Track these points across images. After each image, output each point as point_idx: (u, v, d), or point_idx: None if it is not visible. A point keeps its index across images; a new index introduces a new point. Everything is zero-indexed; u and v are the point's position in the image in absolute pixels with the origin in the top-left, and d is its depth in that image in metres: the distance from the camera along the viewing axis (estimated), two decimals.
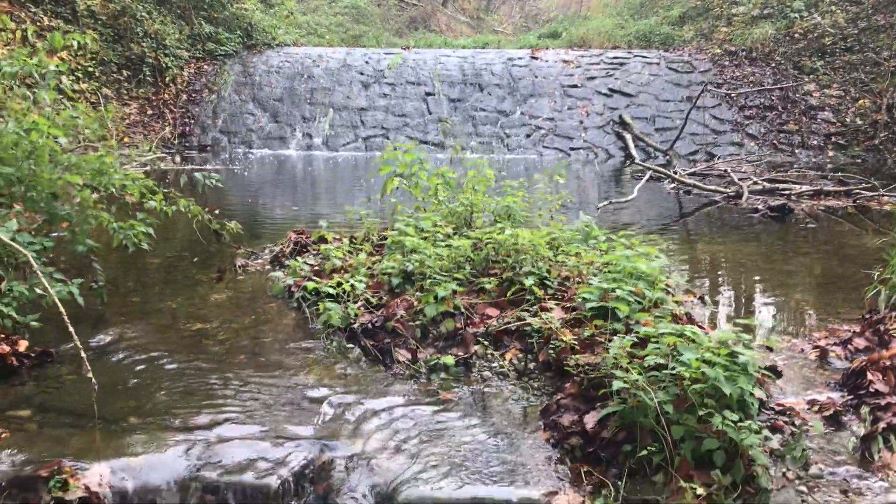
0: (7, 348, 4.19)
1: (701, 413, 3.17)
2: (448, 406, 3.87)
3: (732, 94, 14.96)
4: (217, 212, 6.69)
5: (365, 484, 3.19)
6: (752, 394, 3.29)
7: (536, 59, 16.65)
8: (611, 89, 15.69)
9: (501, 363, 4.30)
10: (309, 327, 4.96)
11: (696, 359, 3.27)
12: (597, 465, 3.25)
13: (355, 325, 4.74)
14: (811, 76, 15.20)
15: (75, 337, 3.72)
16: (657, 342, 3.51)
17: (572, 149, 14.70)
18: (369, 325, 4.72)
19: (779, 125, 14.53)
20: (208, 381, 4.13)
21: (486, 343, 4.45)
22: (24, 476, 3.22)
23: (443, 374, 4.24)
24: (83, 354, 3.63)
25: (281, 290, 5.63)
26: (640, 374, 3.34)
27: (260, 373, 4.24)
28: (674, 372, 3.26)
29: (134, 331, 4.88)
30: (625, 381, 3.31)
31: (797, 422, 3.61)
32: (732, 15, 17.37)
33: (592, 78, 15.99)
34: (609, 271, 4.54)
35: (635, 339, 3.66)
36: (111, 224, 4.96)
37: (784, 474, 3.26)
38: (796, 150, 14.09)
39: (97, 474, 3.21)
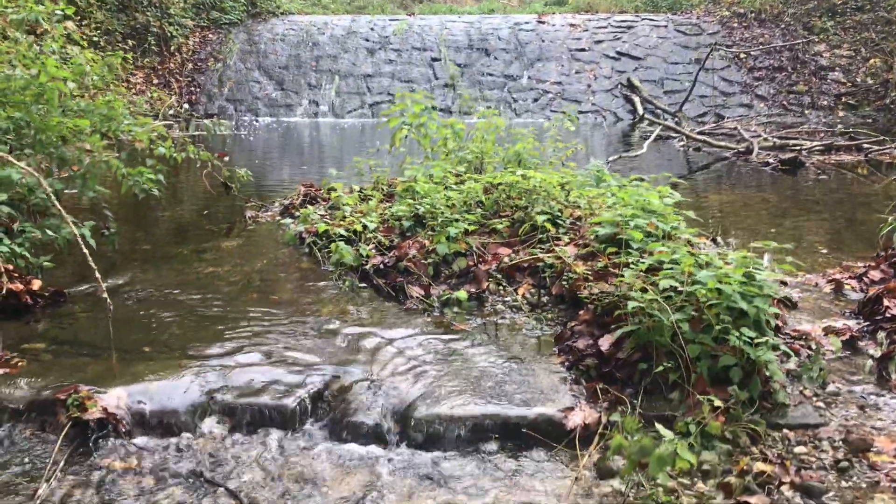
0: (21, 286, 4.19)
1: (717, 330, 3.15)
2: (461, 336, 3.87)
3: (741, 56, 14.82)
4: (227, 158, 6.67)
5: (380, 404, 3.19)
6: (768, 313, 3.26)
7: (543, 23, 16.50)
8: (619, 52, 15.56)
9: (514, 298, 4.29)
10: (320, 270, 4.95)
11: (713, 277, 3.25)
12: (612, 384, 3.25)
13: (367, 266, 4.74)
14: (821, 36, 15.04)
15: (90, 259, 3.71)
16: (672, 266, 3.49)
17: (580, 112, 14.60)
18: (381, 266, 4.72)
19: (788, 86, 14.40)
20: (221, 316, 4.14)
21: (498, 278, 4.43)
22: (42, 399, 3.23)
23: (455, 309, 4.23)
24: (98, 275, 3.63)
25: (292, 237, 5.63)
26: (655, 296, 3.32)
27: (273, 309, 4.24)
28: (690, 290, 3.24)
29: (146, 274, 4.89)
30: (640, 301, 3.29)
31: (813, 345, 3.60)
32: None
33: (600, 41, 15.86)
34: (622, 205, 4.51)
35: (651, 264, 3.63)
36: (120, 170, 4.94)
37: (801, 392, 3.25)
38: (806, 111, 13.97)
39: (114, 397, 3.22)
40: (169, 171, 5.48)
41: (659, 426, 2.55)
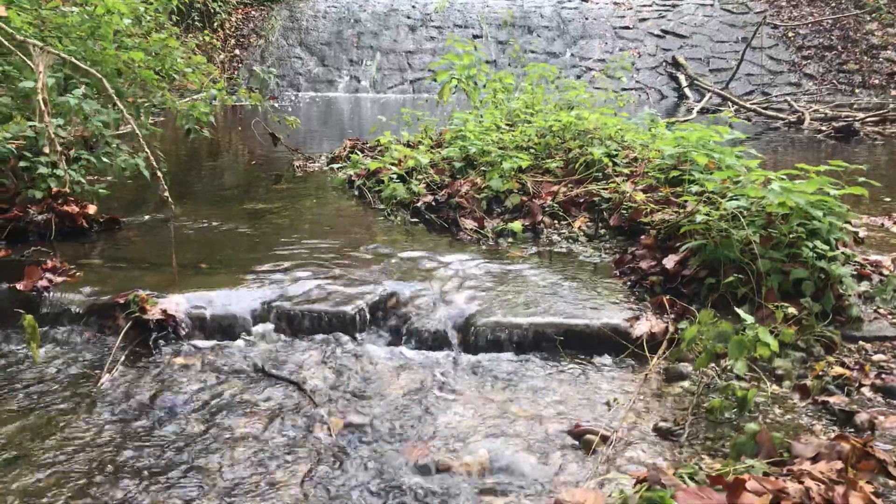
0: (76, 209, 4.21)
1: (787, 245, 3.06)
2: (517, 260, 3.81)
3: (790, 35, 14.52)
4: (276, 104, 6.66)
5: (440, 315, 3.14)
6: (841, 228, 3.16)
7: (586, 1, 16.31)
8: (663, 30, 15.33)
9: (570, 230, 4.21)
10: (371, 208, 4.91)
11: (782, 193, 3.14)
12: (678, 299, 3.16)
13: (418, 204, 4.69)
14: (873, 15, 14.68)
15: (151, 157, 3.70)
16: (739, 184, 3.39)
17: (624, 89, 14.40)
18: (432, 203, 4.66)
19: (838, 65, 14.07)
20: (274, 242, 4.11)
21: (553, 212, 4.36)
22: (101, 304, 3.23)
23: (510, 240, 4.17)
24: (160, 174, 3.62)
25: (341, 181, 5.60)
26: (724, 212, 3.23)
27: (326, 238, 4.20)
28: (762, 204, 3.14)
29: (198, 209, 4.88)
30: (709, 217, 3.20)
31: (885, 272, 3.48)
32: None
33: (644, 19, 15.63)
34: (681, 143, 4.41)
35: (714, 189, 3.53)
36: (173, 103, 4.94)
37: (875, 310, 3.14)
38: (857, 90, 13.65)
39: (173, 302, 3.20)
40: (217, 124, 5.47)
41: (739, 310, 2.46)
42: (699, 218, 3.17)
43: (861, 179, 3.41)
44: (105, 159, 4.44)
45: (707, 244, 3.21)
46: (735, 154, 4.17)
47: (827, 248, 3.02)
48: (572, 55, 15.33)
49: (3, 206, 4.12)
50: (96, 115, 4.42)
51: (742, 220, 3.17)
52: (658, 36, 15.34)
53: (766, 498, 1.70)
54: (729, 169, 3.98)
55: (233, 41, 16.99)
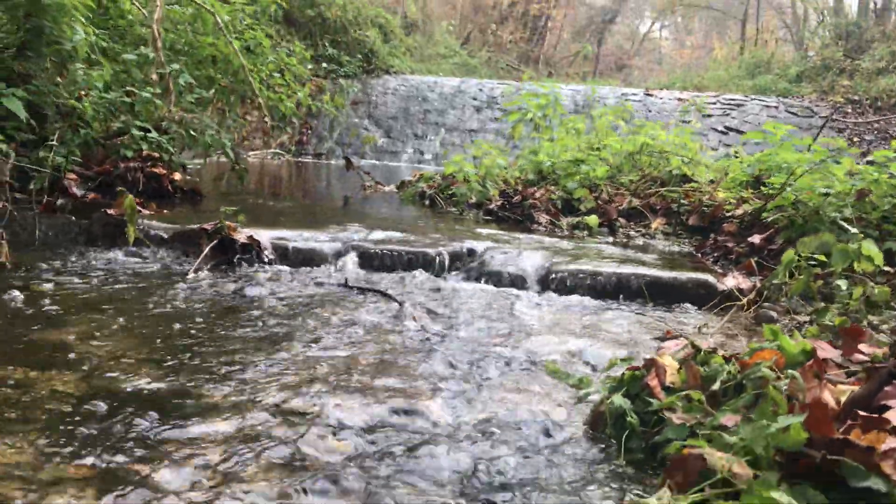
0: (163, 171, 4.34)
1: (880, 217, 3.01)
2: (595, 242, 3.79)
3: (854, 140, 14.56)
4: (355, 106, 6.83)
5: (518, 263, 3.12)
6: None
7: (651, 95, 16.64)
8: (727, 127, 15.49)
9: (648, 230, 4.19)
10: (443, 211, 4.96)
11: (872, 173, 3.12)
12: (765, 267, 3.10)
13: (491, 206, 4.73)
14: None
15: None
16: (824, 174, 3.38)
17: None
18: (505, 204, 4.70)
19: None
20: (355, 218, 4.16)
21: (629, 214, 4.36)
22: (187, 230, 3.29)
23: (585, 232, 4.16)
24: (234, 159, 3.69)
25: (412, 194, 5.68)
26: (814, 195, 3.21)
27: (400, 224, 4.25)
28: (858, 179, 3.12)
29: (273, 202, 5.00)
30: (801, 195, 3.18)
31: None
32: (855, 70, 17.05)
33: (708, 116, 15.83)
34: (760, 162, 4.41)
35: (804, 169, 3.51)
36: (263, 92, 5.12)
37: None
38: None
39: (258, 232, 3.25)
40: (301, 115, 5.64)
41: (841, 222, 2.40)
42: (790, 196, 3.14)
43: None
44: (193, 132, 4.58)
45: (795, 220, 3.17)
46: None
47: None
48: None
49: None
50: (191, 92, 4.58)
51: (832, 198, 3.13)
52: (721, 132, 15.50)
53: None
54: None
55: (304, 109, 17.63)
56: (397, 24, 20.18)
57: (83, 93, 4.17)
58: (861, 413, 1.16)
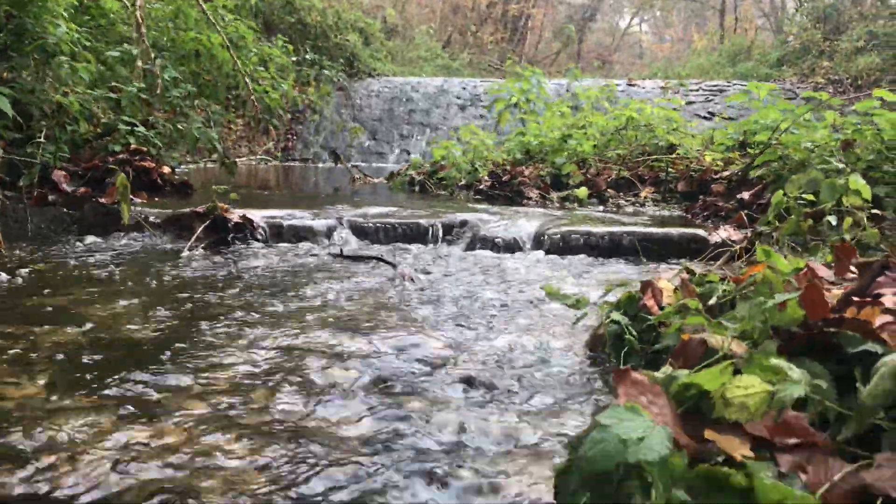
0: (152, 164, 4.34)
1: (867, 165, 3.04)
2: (585, 211, 3.82)
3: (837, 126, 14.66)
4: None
5: (509, 231, 3.14)
6: None
7: (633, 85, 16.71)
8: (710, 113, 15.57)
9: (637, 198, 4.22)
10: (433, 196, 4.98)
11: (858, 125, 3.16)
12: (755, 220, 3.13)
13: (481, 186, 4.75)
14: None
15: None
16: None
17: None
18: (495, 184, 4.72)
19: None
20: (346, 202, 4.17)
21: (618, 185, 4.38)
22: (179, 214, 3.29)
23: (575, 204, 4.18)
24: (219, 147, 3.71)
25: (401, 182, 5.70)
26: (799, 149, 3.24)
27: (394, 203, 4.27)
28: (842, 132, 3.15)
29: (265, 193, 5.01)
30: (791, 148, 3.21)
31: None
32: (834, 52, 17.17)
33: (691, 103, 15.91)
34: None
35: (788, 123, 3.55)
36: (247, 86, 5.13)
37: None
38: None
39: (251, 212, 3.26)
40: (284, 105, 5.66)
41: (831, 160, 2.43)
42: (776, 151, 3.18)
43: None
44: (180, 127, 4.59)
45: (782, 175, 3.21)
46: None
47: None
48: None
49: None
50: (179, 88, 4.59)
51: (818, 149, 3.17)
52: (705, 118, 15.56)
53: None
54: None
55: (289, 115, 17.61)
56: (378, 27, 20.22)
57: (68, 89, 4.17)
58: (855, 298, 1.19)
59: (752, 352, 1.00)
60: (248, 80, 5.07)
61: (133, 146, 4.36)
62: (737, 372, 1.04)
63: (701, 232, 2.94)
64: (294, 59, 18.31)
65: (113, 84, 4.40)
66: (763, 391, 0.88)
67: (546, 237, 3.00)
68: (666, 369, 0.99)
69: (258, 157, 14.44)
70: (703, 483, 0.81)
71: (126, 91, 4.40)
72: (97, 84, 4.45)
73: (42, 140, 3.85)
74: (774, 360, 0.96)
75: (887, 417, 0.90)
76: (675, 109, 5.88)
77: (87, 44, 4.65)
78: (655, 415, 0.86)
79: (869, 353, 0.97)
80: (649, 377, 0.92)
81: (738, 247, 2.67)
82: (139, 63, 4.21)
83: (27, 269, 2.40)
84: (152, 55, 4.93)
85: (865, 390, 0.83)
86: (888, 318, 1.10)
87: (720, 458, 0.86)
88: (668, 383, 0.93)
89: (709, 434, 0.87)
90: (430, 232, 3.16)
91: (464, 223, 3.31)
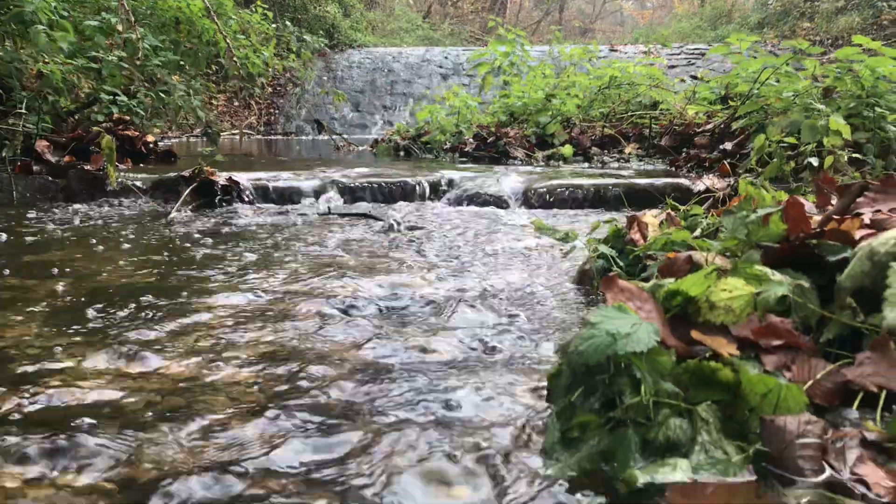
0: (136, 133, 4.32)
1: (848, 113, 3.07)
2: (570, 168, 3.84)
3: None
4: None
5: (497, 187, 3.16)
6: None
7: (615, 51, 16.67)
8: (692, 76, 15.56)
9: (621, 154, 4.25)
10: (419, 160, 4.98)
11: (839, 73, 3.18)
12: (738, 169, 3.16)
13: (466, 148, 4.76)
14: None
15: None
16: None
17: None
18: (480, 145, 4.73)
19: None
20: (331, 165, 4.18)
21: (602, 143, 4.41)
22: (166, 179, 3.30)
23: (561, 163, 4.20)
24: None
25: (386, 148, 5.69)
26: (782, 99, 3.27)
27: (379, 166, 4.28)
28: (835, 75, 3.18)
29: (251, 159, 5.00)
30: (774, 97, 3.23)
31: None
32: (815, 12, 17.18)
33: (673, 67, 15.90)
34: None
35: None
36: (229, 54, 5.10)
37: None
38: None
39: (237, 175, 3.26)
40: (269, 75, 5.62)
41: (813, 103, 2.46)
42: (758, 102, 3.20)
43: None
44: (163, 95, 4.56)
45: (765, 124, 3.23)
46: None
47: (889, 112, 3.03)
48: None
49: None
50: (159, 56, 4.55)
51: (799, 97, 3.19)
52: (687, 83, 15.57)
53: None
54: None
55: (270, 89, 17.48)
56: None
57: (48, 59, 4.14)
58: (836, 217, 1.22)
59: (736, 261, 1.04)
60: (228, 41, 5.03)
61: (116, 115, 4.34)
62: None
63: (684, 181, 2.97)
64: (274, 24, 18.18)
65: (93, 54, 4.36)
66: (747, 293, 0.91)
67: (533, 192, 3.03)
68: (653, 281, 1.02)
69: (241, 131, 14.35)
70: (691, 378, 0.84)
71: (107, 61, 4.37)
72: (77, 54, 4.41)
73: (24, 111, 3.83)
74: (758, 267, 0.99)
75: (867, 322, 0.94)
76: (656, 67, 5.88)
77: (65, 14, 4.60)
78: (643, 317, 0.89)
79: (848, 261, 1.00)
80: (637, 285, 0.95)
81: (721, 193, 2.71)
82: (119, 28, 4.16)
83: (15, 232, 2.40)
84: (133, 21, 4.89)
85: (844, 273, 0.86)
86: (868, 231, 1.13)
87: (707, 356, 0.89)
88: (654, 290, 0.96)
89: (696, 335, 0.90)
90: (417, 190, 3.18)
91: (450, 182, 3.33)
